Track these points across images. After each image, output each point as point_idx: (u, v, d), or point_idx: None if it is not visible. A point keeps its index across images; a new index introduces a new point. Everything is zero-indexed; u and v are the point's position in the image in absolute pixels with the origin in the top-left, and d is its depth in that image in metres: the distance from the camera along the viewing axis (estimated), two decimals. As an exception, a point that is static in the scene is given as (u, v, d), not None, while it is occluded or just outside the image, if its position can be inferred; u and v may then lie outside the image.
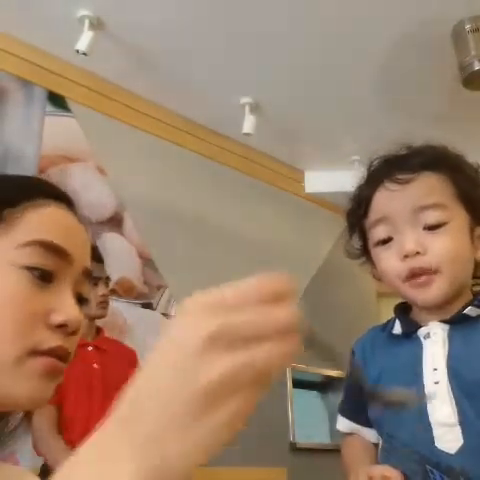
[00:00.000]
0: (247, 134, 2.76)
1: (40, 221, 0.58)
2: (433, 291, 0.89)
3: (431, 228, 0.90)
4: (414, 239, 0.90)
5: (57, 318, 0.56)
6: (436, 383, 0.87)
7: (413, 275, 0.90)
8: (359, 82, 2.63)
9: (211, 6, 2.21)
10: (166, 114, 2.86)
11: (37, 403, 0.56)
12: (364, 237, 1.01)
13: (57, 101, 2.50)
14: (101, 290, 2.04)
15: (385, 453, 0.93)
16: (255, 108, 2.78)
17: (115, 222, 2.60)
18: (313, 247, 3.30)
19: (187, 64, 2.56)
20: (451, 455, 0.82)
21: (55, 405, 1.94)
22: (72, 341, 0.58)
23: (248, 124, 2.75)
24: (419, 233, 0.90)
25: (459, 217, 0.92)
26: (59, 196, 0.62)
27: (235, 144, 3.10)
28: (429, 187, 0.92)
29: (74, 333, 0.58)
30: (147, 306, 2.62)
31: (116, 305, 2.47)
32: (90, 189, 2.55)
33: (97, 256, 2.01)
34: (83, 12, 2.23)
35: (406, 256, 0.90)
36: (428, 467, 0.84)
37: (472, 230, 0.93)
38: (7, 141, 2.31)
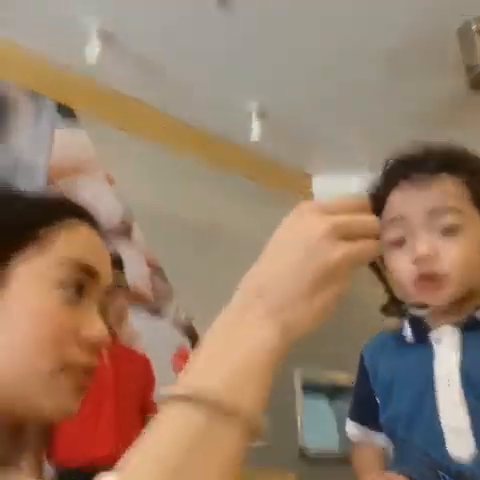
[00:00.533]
0: (254, 141, 2.77)
1: (73, 241, 0.61)
2: (442, 296, 0.88)
3: (445, 232, 0.88)
4: (427, 242, 0.88)
5: (87, 335, 0.58)
6: (448, 388, 0.86)
7: (423, 279, 0.89)
8: (367, 86, 2.64)
9: (217, 16, 2.23)
10: (174, 123, 2.88)
11: (65, 416, 0.58)
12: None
13: (66, 112, 2.53)
14: (121, 301, 2.04)
15: (397, 457, 0.93)
16: (262, 114, 2.80)
17: (124, 231, 2.62)
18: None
19: (194, 73, 2.59)
20: (463, 460, 0.82)
21: None
22: (98, 357, 0.60)
23: (255, 131, 2.76)
24: (433, 237, 0.88)
25: (474, 222, 0.90)
26: (87, 216, 0.65)
27: (243, 151, 3.11)
28: (446, 190, 0.90)
29: (100, 349, 0.60)
30: (156, 314, 2.63)
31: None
32: (99, 199, 2.57)
33: (119, 265, 2.02)
34: (92, 25, 2.26)
35: (418, 259, 0.88)
36: (440, 472, 0.83)
37: None
38: (17, 152, 2.33)
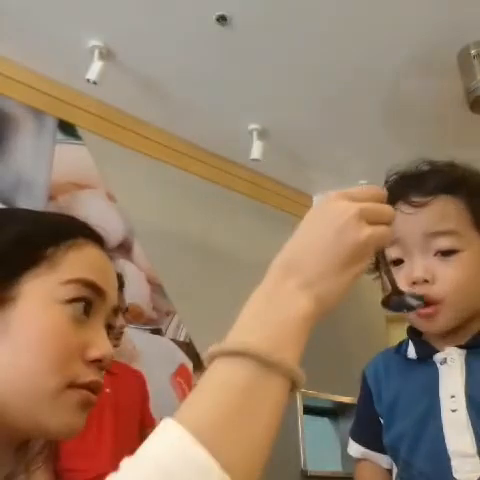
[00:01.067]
0: (255, 160, 2.78)
1: (81, 260, 0.62)
2: (439, 323, 0.87)
3: (442, 255, 0.87)
4: (423, 266, 0.87)
5: (94, 354, 0.59)
6: (454, 411, 0.84)
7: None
8: (366, 108, 2.65)
9: (218, 35, 2.24)
10: (175, 141, 2.89)
11: (70, 433, 0.59)
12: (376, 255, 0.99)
13: (67, 129, 2.54)
14: (119, 321, 2.02)
15: (400, 473, 0.90)
16: (263, 134, 2.81)
17: (124, 248, 2.61)
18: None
19: (195, 91, 2.60)
20: None
21: None
22: (102, 374, 0.61)
23: (256, 150, 2.77)
24: (429, 260, 0.88)
25: (473, 245, 0.89)
26: (95, 236, 0.68)
27: (243, 170, 3.12)
28: (444, 212, 0.89)
29: (106, 367, 0.61)
30: (156, 332, 2.61)
31: (125, 331, 2.47)
32: (99, 216, 2.56)
33: (120, 284, 2.01)
34: (93, 42, 2.27)
35: (414, 283, 0.88)
36: None
37: None
38: (19, 169, 2.34)
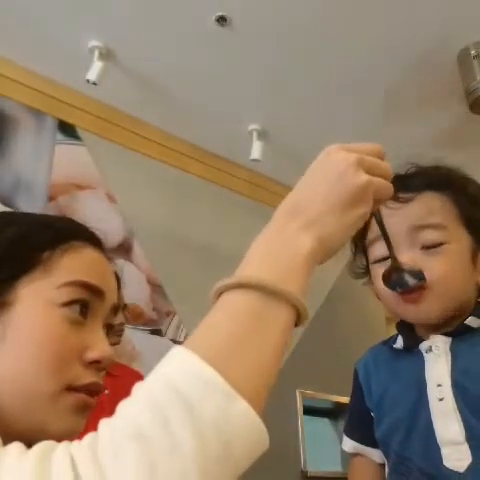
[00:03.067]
0: (255, 160, 2.78)
1: (78, 263, 0.62)
2: (424, 307, 0.87)
3: (428, 248, 0.89)
4: (410, 258, 0.88)
5: (92, 355, 0.59)
6: (441, 400, 0.84)
7: (403, 293, 0.89)
8: (366, 108, 2.65)
9: (217, 36, 2.24)
10: (174, 141, 2.89)
11: (70, 436, 0.58)
12: (366, 256, 1.00)
13: (67, 130, 2.54)
14: (119, 319, 2.01)
15: (393, 473, 0.90)
16: (263, 134, 2.81)
17: (124, 249, 2.61)
18: (321, 272, 3.29)
19: (195, 92, 2.60)
20: (460, 473, 0.80)
21: None
22: (102, 375, 0.61)
23: (256, 150, 2.77)
24: (416, 252, 0.89)
25: (460, 239, 0.90)
26: (92, 237, 0.68)
27: (243, 170, 3.12)
28: (429, 207, 0.90)
29: (105, 369, 0.61)
30: (156, 332, 2.61)
31: (125, 332, 2.47)
32: (99, 216, 2.56)
33: (119, 283, 2.01)
34: (93, 43, 2.27)
35: None
36: None
37: (475, 253, 0.91)
38: (18, 170, 2.34)
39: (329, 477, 2.96)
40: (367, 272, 1.00)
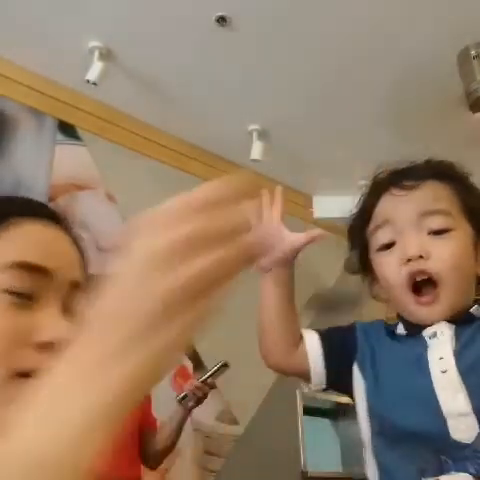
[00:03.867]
0: (255, 160, 2.77)
1: (14, 242, 0.56)
2: (439, 307, 0.87)
3: (436, 233, 0.89)
4: (418, 243, 0.88)
5: (41, 338, 0.54)
6: (444, 372, 0.84)
7: (415, 285, 0.88)
8: (367, 108, 2.65)
9: (218, 36, 2.24)
10: (174, 141, 2.89)
11: None
12: (365, 249, 0.98)
13: (67, 130, 2.54)
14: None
15: (391, 443, 0.87)
16: (263, 134, 2.81)
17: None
18: (321, 273, 3.29)
19: (195, 92, 2.60)
20: (467, 444, 0.80)
21: None
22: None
23: (256, 150, 2.77)
24: (423, 237, 0.89)
25: (463, 229, 0.91)
26: (34, 212, 0.60)
27: (243, 169, 3.12)
28: (435, 194, 0.91)
29: (58, 349, 0.57)
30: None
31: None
32: (99, 216, 2.56)
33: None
34: (93, 43, 2.27)
35: (409, 260, 0.88)
36: (443, 457, 0.81)
37: (476, 244, 0.91)
38: (18, 170, 2.34)
39: (329, 477, 2.96)
40: (367, 265, 0.99)
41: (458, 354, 0.84)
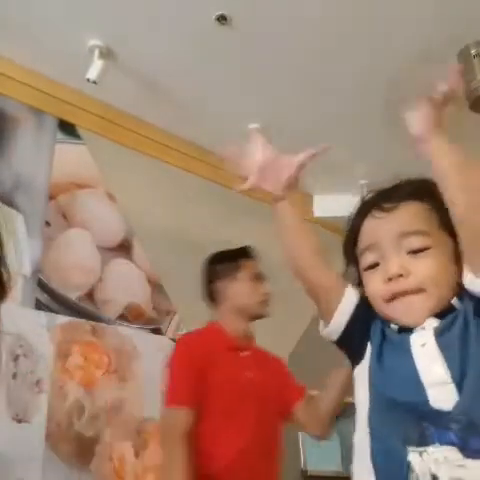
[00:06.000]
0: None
1: None
2: (417, 311, 0.94)
3: (414, 253, 0.96)
4: (398, 263, 0.96)
5: None
6: (423, 345, 0.91)
7: (395, 297, 0.96)
8: (366, 108, 2.65)
9: (219, 32, 2.24)
10: (175, 140, 2.89)
11: None
12: (357, 265, 1.06)
13: (67, 129, 2.54)
14: (265, 287, 1.98)
15: (376, 406, 0.94)
16: (263, 134, 2.80)
17: (124, 248, 2.61)
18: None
19: (195, 91, 2.60)
20: (448, 412, 0.85)
21: (191, 409, 1.74)
22: None
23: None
24: (403, 257, 0.96)
25: (443, 243, 0.97)
26: None
27: (244, 169, 3.11)
28: (412, 214, 0.98)
29: None
30: (156, 331, 2.61)
31: (125, 331, 2.47)
32: (99, 215, 2.57)
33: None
34: (93, 42, 2.27)
35: (390, 279, 0.96)
36: (425, 425, 0.86)
37: (457, 255, 0.96)
38: (18, 169, 2.34)
39: (329, 476, 2.96)
40: (359, 280, 1.06)
41: (437, 331, 0.92)
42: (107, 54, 2.31)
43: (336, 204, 3.33)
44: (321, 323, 1.08)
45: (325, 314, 1.06)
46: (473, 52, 2.27)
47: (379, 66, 2.39)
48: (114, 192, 2.62)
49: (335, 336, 1.05)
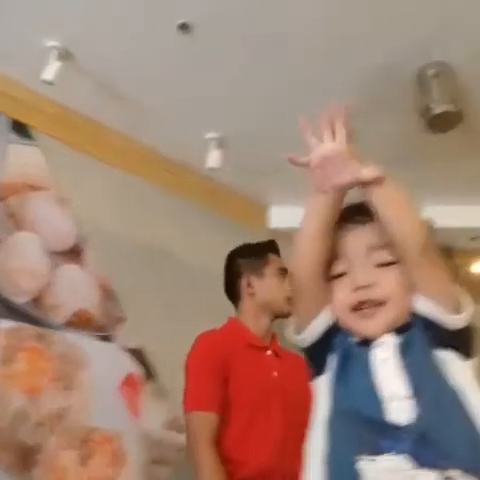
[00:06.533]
0: (212, 168, 2.77)
1: None
2: (376, 322, 0.99)
3: (382, 266, 1.01)
4: (366, 274, 1.00)
5: None
6: (384, 360, 0.95)
7: (360, 306, 1.00)
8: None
9: (181, 41, 2.24)
10: (131, 146, 2.86)
11: None
12: (327, 274, 1.08)
13: (21, 130, 2.48)
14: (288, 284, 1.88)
15: (334, 415, 0.96)
16: (221, 143, 2.81)
17: (75, 253, 2.56)
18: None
19: (154, 97, 2.58)
20: (403, 426, 0.88)
21: (216, 414, 1.65)
22: None
23: (213, 158, 2.76)
24: (371, 269, 1.01)
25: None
26: None
27: (200, 178, 3.10)
28: (383, 229, 1.01)
29: None
30: (106, 339, 2.56)
31: (73, 337, 2.42)
32: (51, 219, 2.51)
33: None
34: (51, 42, 2.23)
35: (356, 289, 1.00)
36: (378, 435, 0.89)
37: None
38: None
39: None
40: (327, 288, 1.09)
41: (399, 347, 0.96)
42: (65, 55, 2.27)
43: (293, 215, 3.34)
44: (292, 328, 1.09)
45: (302, 320, 1.06)
46: (431, 72, 2.34)
47: (338, 82, 2.43)
48: (67, 195, 2.57)
49: (306, 344, 1.07)
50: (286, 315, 1.89)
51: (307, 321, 1.04)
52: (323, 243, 1.03)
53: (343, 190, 1.04)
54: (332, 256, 1.06)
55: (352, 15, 2.12)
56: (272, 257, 2.01)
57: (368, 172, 0.98)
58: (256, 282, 1.95)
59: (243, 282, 1.98)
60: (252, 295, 1.94)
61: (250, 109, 2.64)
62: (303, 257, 1.05)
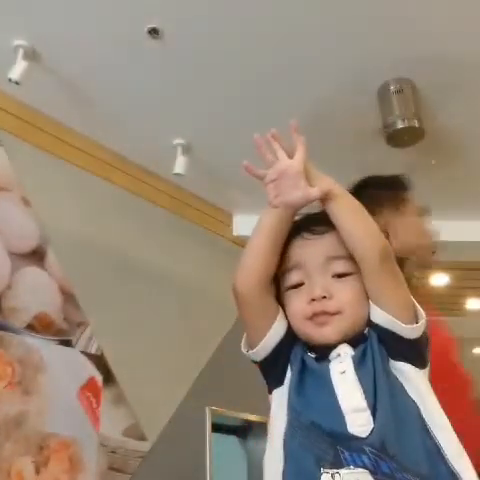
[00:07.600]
0: (178, 174, 2.77)
1: None
2: (329, 329, 0.99)
3: (339, 276, 1.01)
4: (322, 285, 1.00)
5: None
6: (342, 373, 0.96)
7: (315, 316, 1.00)
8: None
9: (148, 44, 2.24)
10: (97, 148, 2.84)
11: None
12: (278, 285, 1.08)
13: (-15, 129, 2.44)
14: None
15: (293, 428, 0.96)
16: (187, 149, 2.81)
17: (37, 256, 2.52)
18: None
19: (121, 100, 2.57)
20: (362, 438, 0.89)
21: None
22: None
23: (179, 165, 2.77)
24: (327, 280, 1.01)
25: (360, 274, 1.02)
26: None
27: (165, 183, 3.10)
28: (340, 240, 1.01)
29: None
30: (66, 343, 2.53)
31: (32, 341, 2.38)
32: (12, 220, 2.47)
33: None
34: (18, 42, 2.21)
35: (313, 299, 1.00)
36: (339, 448, 0.89)
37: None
38: None
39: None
40: (278, 299, 1.08)
41: (355, 359, 0.97)
42: (32, 55, 2.25)
43: (255, 223, 3.37)
44: (244, 342, 1.08)
45: (253, 335, 1.05)
46: (392, 89, 2.40)
47: (299, 97, 2.46)
48: (30, 197, 2.53)
49: (259, 358, 1.06)
50: (429, 267, 1.64)
51: (258, 336, 1.04)
52: (270, 257, 1.03)
53: (293, 208, 1.04)
54: (285, 266, 1.06)
55: (316, 31, 2.16)
56: (409, 195, 1.65)
57: (316, 191, 0.98)
58: (398, 221, 1.58)
59: (380, 220, 1.54)
60: (391, 238, 1.44)
61: (217, 117, 2.65)
62: (248, 271, 1.05)
